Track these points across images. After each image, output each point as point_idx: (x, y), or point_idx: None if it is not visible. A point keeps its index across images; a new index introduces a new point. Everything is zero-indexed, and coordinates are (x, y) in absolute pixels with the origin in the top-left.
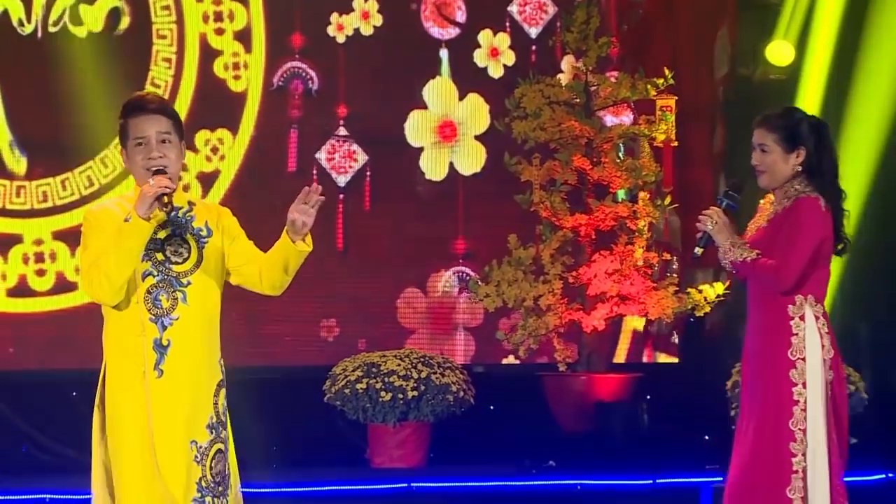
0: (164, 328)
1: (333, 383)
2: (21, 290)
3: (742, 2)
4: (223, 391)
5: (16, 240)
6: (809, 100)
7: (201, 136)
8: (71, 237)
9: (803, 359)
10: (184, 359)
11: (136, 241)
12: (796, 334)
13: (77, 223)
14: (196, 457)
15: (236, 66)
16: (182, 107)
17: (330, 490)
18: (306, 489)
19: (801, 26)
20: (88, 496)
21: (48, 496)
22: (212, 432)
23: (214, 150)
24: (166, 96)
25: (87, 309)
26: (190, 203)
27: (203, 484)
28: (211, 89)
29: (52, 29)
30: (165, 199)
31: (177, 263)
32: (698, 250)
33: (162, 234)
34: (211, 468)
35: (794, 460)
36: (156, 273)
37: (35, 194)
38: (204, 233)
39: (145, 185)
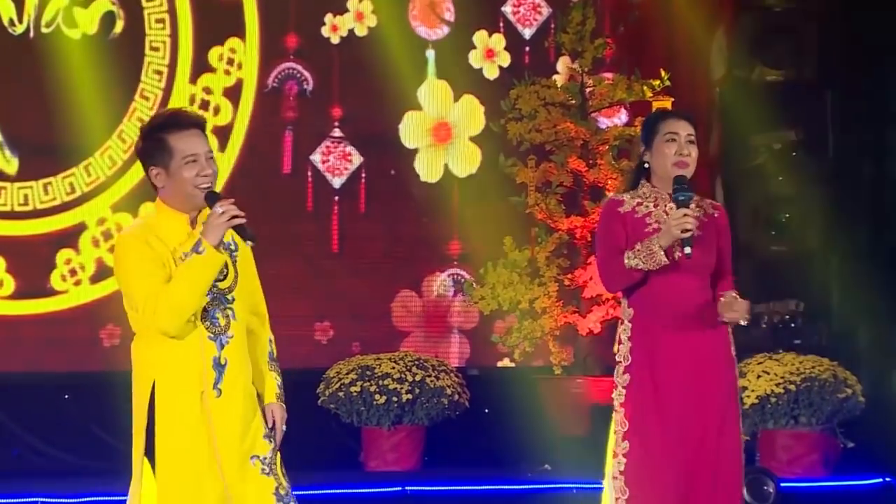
0: (222, 346)
1: (327, 386)
2: (102, 273)
3: (739, 3)
4: None
5: (81, 228)
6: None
7: None
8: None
9: (619, 362)
10: (238, 376)
11: (211, 272)
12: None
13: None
14: (264, 469)
15: (230, 62)
16: None
17: (324, 493)
18: (300, 493)
19: None
20: (80, 500)
21: (40, 500)
22: (270, 441)
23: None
24: (163, 85)
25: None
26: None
27: (281, 492)
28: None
29: (44, 30)
30: (249, 231)
31: (221, 280)
32: (689, 250)
33: None
34: (284, 475)
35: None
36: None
37: (38, 194)
38: (233, 246)
39: (213, 214)
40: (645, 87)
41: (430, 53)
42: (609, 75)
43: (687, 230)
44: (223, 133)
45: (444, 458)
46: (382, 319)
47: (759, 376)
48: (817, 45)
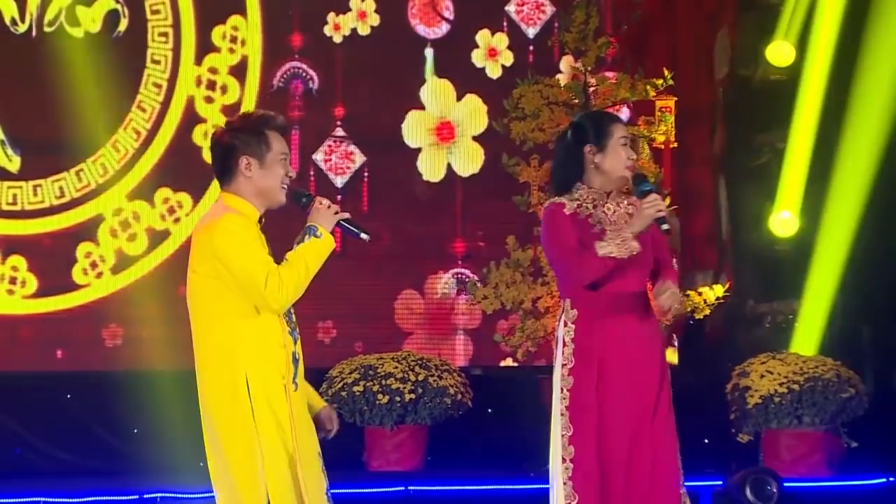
0: (295, 342)
1: (330, 386)
2: (122, 263)
3: (742, 2)
4: None
5: (99, 220)
6: (810, 100)
7: (199, 131)
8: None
9: (563, 364)
10: (301, 372)
11: (325, 256)
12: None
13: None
14: (322, 468)
15: (233, 39)
16: (164, 134)
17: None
18: None
19: (801, 26)
20: (81, 500)
21: (42, 499)
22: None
23: None
24: (161, 98)
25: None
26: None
27: (329, 494)
28: (197, 120)
29: (47, 29)
30: (360, 226)
31: None
32: (667, 227)
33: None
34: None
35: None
36: None
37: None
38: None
39: (322, 205)
40: (648, 87)
41: (429, 52)
42: (612, 74)
43: (661, 210)
44: (231, 113)
45: (446, 457)
46: (385, 319)
47: (762, 376)
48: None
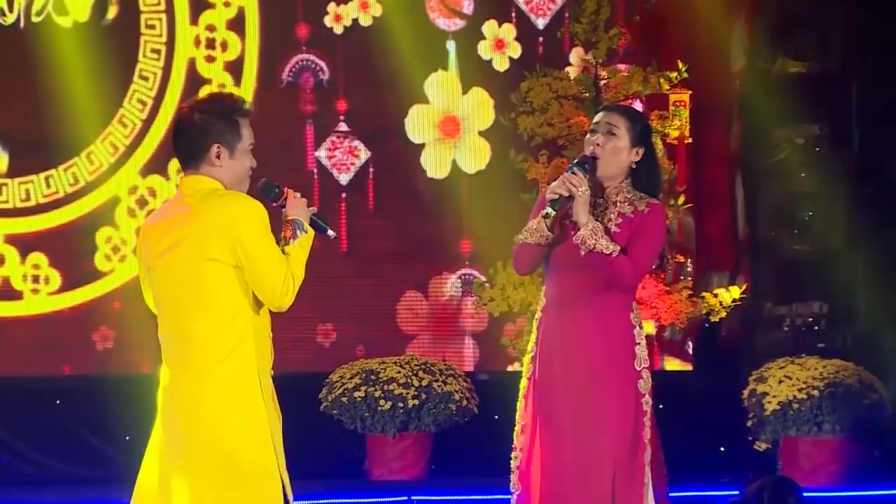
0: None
1: (330, 391)
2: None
3: None
4: None
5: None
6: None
7: (205, 92)
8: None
9: (529, 352)
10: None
11: (308, 250)
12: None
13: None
14: None
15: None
16: (170, 103)
17: (327, 503)
18: (301, 503)
19: None
20: None
21: None
22: None
23: None
24: (155, 90)
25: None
26: None
27: None
28: (201, 82)
29: (35, 18)
30: (327, 221)
31: None
32: (551, 211)
33: None
34: None
35: None
36: None
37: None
38: None
39: (296, 198)
40: (661, 80)
41: (451, 45)
42: (624, 67)
43: (556, 192)
44: (235, 70)
45: (451, 466)
46: (388, 321)
47: (780, 381)
48: (842, 34)
